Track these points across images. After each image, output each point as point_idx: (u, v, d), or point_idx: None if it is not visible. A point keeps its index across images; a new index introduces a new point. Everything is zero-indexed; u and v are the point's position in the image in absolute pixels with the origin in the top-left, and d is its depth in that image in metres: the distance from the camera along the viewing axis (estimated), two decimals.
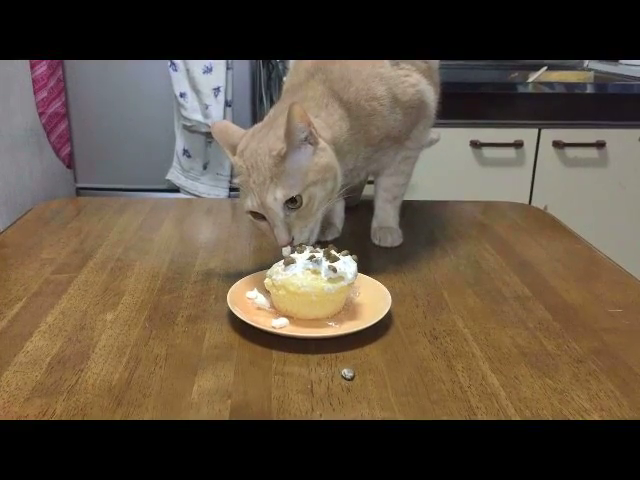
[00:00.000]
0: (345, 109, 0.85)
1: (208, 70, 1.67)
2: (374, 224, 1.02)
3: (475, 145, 1.78)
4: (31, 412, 0.58)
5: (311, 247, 0.76)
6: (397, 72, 0.90)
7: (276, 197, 0.76)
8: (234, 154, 0.81)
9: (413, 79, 0.91)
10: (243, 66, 1.73)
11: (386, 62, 0.89)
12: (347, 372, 0.64)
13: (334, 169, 0.80)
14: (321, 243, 0.96)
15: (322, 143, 0.79)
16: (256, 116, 1.78)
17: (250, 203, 0.78)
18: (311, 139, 0.77)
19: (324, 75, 0.85)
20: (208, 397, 0.61)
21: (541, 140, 1.80)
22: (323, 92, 0.84)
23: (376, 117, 0.88)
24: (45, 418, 0.57)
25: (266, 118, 0.84)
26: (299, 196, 0.76)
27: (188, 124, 1.71)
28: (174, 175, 1.78)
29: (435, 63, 1.01)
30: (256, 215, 0.80)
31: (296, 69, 0.91)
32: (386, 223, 1.01)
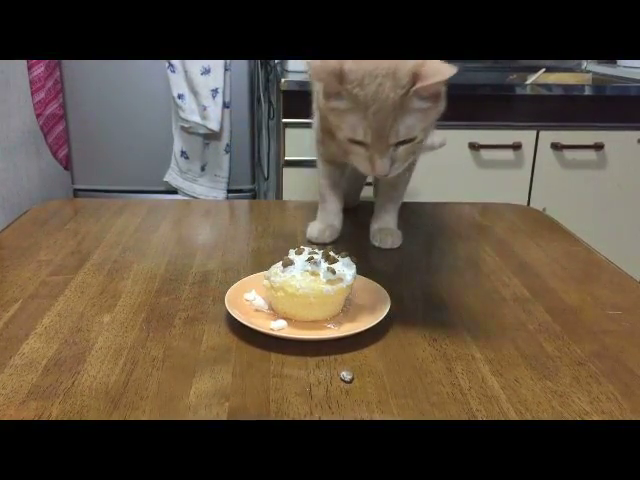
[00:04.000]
0: None
1: (206, 71, 1.67)
2: (373, 226, 1.02)
3: (473, 147, 1.78)
4: (27, 415, 0.57)
5: (309, 249, 0.76)
6: None
7: (399, 134, 0.78)
8: (340, 82, 0.79)
9: None
10: (241, 67, 1.73)
11: None
12: (346, 374, 0.64)
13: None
14: (319, 245, 0.96)
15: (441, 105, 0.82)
16: (254, 117, 1.78)
17: (363, 132, 0.79)
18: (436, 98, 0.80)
19: None
20: (206, 400, 0.60)
21: (539, 142, 1.80)
22: None
23: None
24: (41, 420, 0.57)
25: None
26: (416, 136, 0.80)
27: (186, 125, 1.71)
28: (172, 177, 1.78)
29: None
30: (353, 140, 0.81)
31: None
32: (385, 225, 1.01)
